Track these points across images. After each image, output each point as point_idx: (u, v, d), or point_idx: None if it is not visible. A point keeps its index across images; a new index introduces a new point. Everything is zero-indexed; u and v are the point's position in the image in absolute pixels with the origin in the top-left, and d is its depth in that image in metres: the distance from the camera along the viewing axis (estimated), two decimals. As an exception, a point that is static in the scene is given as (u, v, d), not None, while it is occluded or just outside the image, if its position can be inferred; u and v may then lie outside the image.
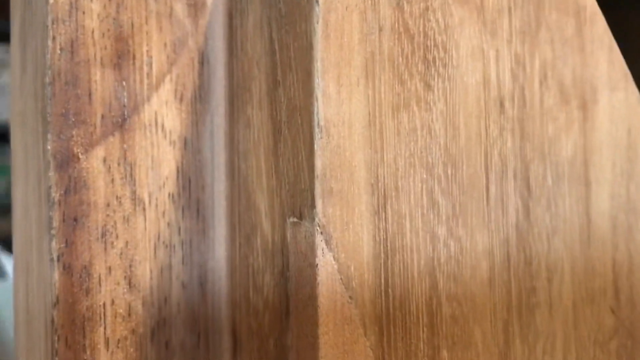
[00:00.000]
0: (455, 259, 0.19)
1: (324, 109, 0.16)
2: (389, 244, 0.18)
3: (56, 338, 0.17)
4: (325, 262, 0.17)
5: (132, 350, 0.18)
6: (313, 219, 0.16)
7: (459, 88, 0.19)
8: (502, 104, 0.21)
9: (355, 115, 0.17)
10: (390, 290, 0.18)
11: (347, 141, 0.17)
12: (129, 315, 0.18)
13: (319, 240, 0.16)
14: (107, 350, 0.18)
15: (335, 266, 0.17)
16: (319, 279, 0.16)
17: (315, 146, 0.16)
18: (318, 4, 0.16)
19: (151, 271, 0.19)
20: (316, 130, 0.16)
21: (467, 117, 0.20)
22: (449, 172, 0.19)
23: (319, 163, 0.16)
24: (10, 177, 0.22)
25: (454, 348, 0.19)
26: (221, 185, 0.20)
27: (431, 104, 0.19)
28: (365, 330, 0.17)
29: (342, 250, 0.17)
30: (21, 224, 0.20)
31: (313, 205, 0.16)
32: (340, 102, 0.17)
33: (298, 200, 0.17)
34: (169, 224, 0.19)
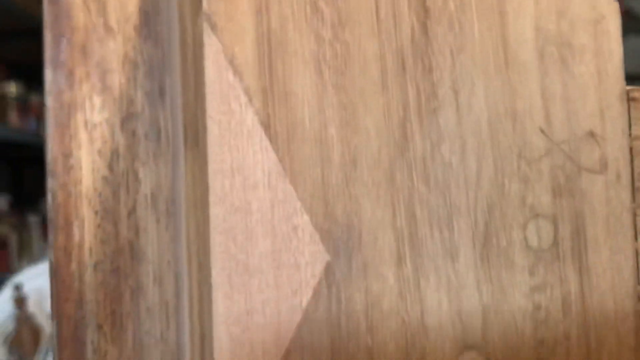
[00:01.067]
0: (342, 57, 0.24)
1: None
2: (271, 36, 0.23)
3: (49, 117, 0.25)
4: (211, 42, 0.22)
5: (105, 133, 0.25)
6: (202, 12, 0.22)
7: None
8: (391, -63, 0.25)
9: (236, -63, 0.23)
10: (273, 71, 0.23)
11: (230, -44, 0.23)
12: (103, 107, 0.25)
13: (206, 27, 0.22)
14: (86, 130, 0.25)
15: (220, 46, 0.23)
16: (205, 53, 0.22)
17: (203, -42, 0.22)
18: None
19: (120, 79, 0.26)
20: (202, -54, 0.22)
21: (352, -54, 0.24)
22: (334, -13, 0.24)
23: (205, -30, 0.22)
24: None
25: (342, 129, 0.24)
26: (175, 24, 0.27)
27: None
28: (250, 99, 0.23)
29: (226, 35, 0.23)
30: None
31: (201, 2, 0.22)
32: None
33: (198, 5, 0.23)
34: (134, 47, 0.26)
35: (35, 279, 2.37)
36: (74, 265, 0.25)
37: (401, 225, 0.25)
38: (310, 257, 0.23)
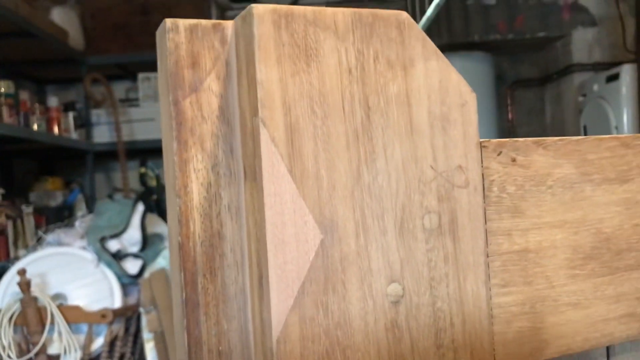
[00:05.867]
0: (327, 134, 0.47)
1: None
2: (292, 126, 0.46)
3: (176, 166, 0.48)
4: (263, 131, 0.46)
5: (204, 173, 0.49)
6: (258, 116, 0.46)
7: (325, 65, 0.48)
8: (350, 71, 0.49)
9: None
10: (294, 144, 0.46)
11: (271, 88, 0.46)
12: (202, 160, 0.49)
13: (260, 123, 0.46)
14: (194, 172, 0.48)
15: (267, 133, 0.46)
16: (261, 137, 0.46)
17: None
18: None
19: (210, 144, 0.49)
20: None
21: (331, 77, 0.48)
22: (321, 101, 0.47)
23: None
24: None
25: (328, 171, 0.47)
26: (238, 116, 0.50)
27: (310, 76, 0.47)
28: (282, 158, 0.46)
29: (270, 127, 0.46)
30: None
31: (257, 110, 0.46)
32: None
33: (255, 111, 0.46)
34: (216, 127, 0.49)
35: (35, 264, 2.56)
36: (190, 243, 0.48)
37: (357, 218, 0.49)
38: (312, 236, 0.47)
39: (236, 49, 0.50)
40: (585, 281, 0.57)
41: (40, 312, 2.37)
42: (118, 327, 2.62)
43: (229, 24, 0.50)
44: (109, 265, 2.62)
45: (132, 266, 2.70)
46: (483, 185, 0.53)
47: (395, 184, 0.50)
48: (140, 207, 2.78)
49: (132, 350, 2.75)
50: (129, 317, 2.69)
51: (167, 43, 0.48)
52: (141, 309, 2.52)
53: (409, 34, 0.51)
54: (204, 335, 0.48)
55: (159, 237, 2.96)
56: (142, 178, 3.45)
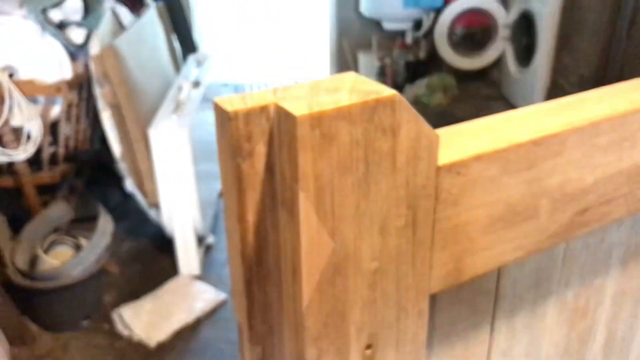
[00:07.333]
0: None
1: (300, 161, 0.67)
2: (322, 183, 0.69)
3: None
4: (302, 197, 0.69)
5: (255, 207, 0.72)
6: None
7: (341, 144, 0.69)
8: (357, 143, 0.70)
9: (308, 160, 0.68)
10: (326, 201, 0.70)
11: (306, 166, 0.68)
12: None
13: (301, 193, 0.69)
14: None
15: (304, 194, 0.69)
16: (300, 200, 0.69)
17: (298, 169, 0.68)
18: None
19: (259, 188, 0.72)
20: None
21: (345, 150, 0.69)
22: (338, 167, 0.70)
23: (299, 173, 0.68)
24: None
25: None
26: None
27: (331, 153, 0.68)
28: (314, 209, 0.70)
29: (311, 193, 0.69)
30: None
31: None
32: (304, 158, 0.67)
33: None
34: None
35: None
36: (248, 250, 0.74)
37: (355, 231, 0.75)
38: (327, 245, 0.73)
39: (278, 127, 0.69)
40: (493, 234, 0.88)
41: (17, 132, 2.49)
42: (72, 96, 2.79)
43: (271, 106, 0.69)
44: (54, 36, 2.69)
45: (76, 35, 2.77)
46: (436, 192, 0.79)
47: (381, 205, 0.75)
48: (78, -26, 2.74)
49: (86, 113, 2.97)
50: (80, 83, 2.85)
51: (232, 128, 0.68)
52: (95, 84, 2.67)
53: (399, 108, 0.71)
54: (255, 296, 0.77)
55: (98, 1, 2.96)
56: None
